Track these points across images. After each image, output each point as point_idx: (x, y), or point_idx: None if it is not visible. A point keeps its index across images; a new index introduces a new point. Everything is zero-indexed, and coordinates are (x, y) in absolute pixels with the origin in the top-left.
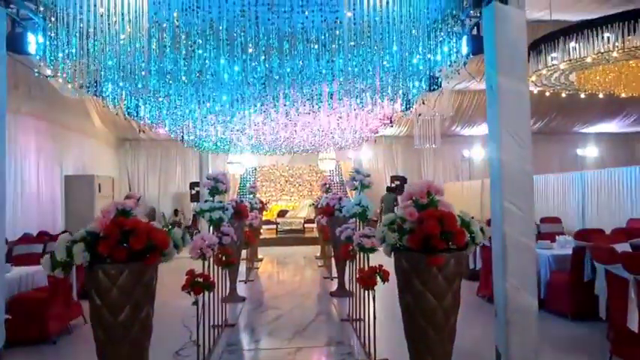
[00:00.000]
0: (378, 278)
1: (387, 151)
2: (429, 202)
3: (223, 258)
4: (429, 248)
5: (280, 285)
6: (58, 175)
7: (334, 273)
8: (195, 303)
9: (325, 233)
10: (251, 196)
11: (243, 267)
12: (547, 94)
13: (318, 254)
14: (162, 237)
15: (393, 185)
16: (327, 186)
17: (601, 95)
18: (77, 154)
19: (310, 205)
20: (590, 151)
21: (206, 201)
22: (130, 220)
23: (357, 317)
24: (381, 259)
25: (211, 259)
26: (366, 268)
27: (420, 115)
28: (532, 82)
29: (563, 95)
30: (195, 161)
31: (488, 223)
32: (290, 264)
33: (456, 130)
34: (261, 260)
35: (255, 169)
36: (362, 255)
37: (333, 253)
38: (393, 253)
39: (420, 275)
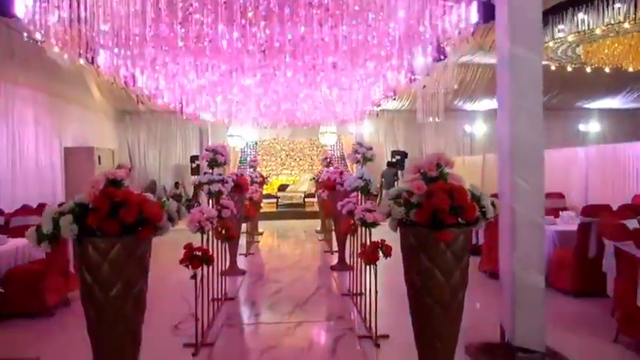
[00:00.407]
0: (381, 253)
1: (388, 126)
2: (439, 174)
3: (223, 231)
4: (437, 223)
5: (281, 258)
6: (57, 146)
7: (335, 247)
8: (194, 277)
9: (326, 207)
10: (251, 169)
11: (243, 240)
12: (552, 67)
13: (319, 228)
14: (156, 210)
15: (393, 160)
16: (329, 160)
17: (607, 69)
18: (76, 127)
19: (311, 180)
20: (593, 127)
21: (205, 173)
22: (120, 192)
23: (358, 292)
24: (384, 233)
25: (210, 233)
26: (368, 243)
27: (424, 86)
28: None
29: (569, 69)
30: (196, 134)
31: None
32: (290, 238)
33: (457, 105)
34: (261, 234)
35: (256, 144)
36: (363, 229)
37: (333, 227)
38: (398, 229)
39: (427, 251)
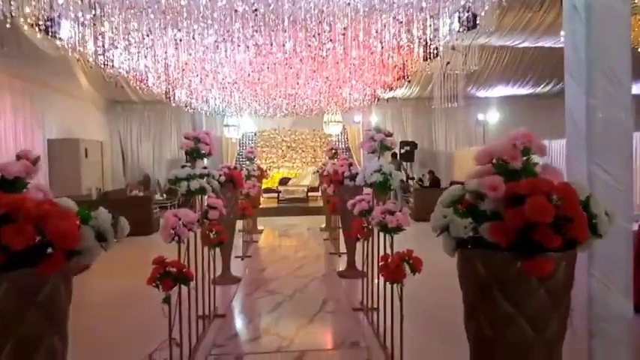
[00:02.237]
0: (407, 268)
1: (396, 115)
2: (525, 167)
3: (212, 235)
4: (527, 244)
5: (281, 262)
6: (39, 137)
7: (342, 248)
8: (167, 301)
9: (332, 204)
10: (248, 162)
11: (240, 240)
12: None
13: (323, 226)
14: (68, 226)
15: (402, 151)
16: (334, 151)
17: None
18: (61, 117)
19: (315, 173)
20: None
21: (183, 166)
22: (10, 197)
23: (372, 306)
24: (406, 240)
25: (196, 238)
26: (389, 253)
27: (448, 63)
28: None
29: None
30: (191, 125)
31: None
32: (292, 237)
33: (470, 92)
34: (261, 232)
35: (255, 135)
36: (380, 234)
37: (341, 226)
38: (458, 251)
39: (508, 289)
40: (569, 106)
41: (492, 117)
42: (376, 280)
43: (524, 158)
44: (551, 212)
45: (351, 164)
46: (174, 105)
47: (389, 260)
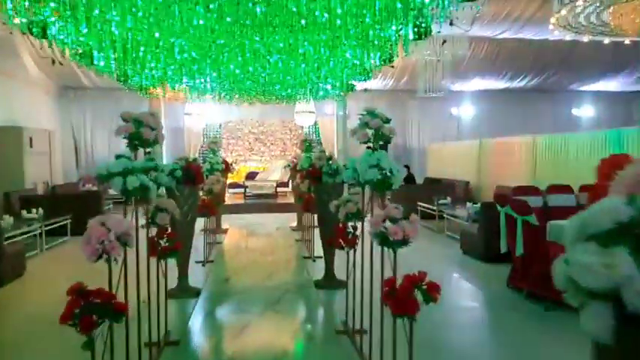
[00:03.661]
0: (420, 297)
1: (368, 108)
2: None
3: (162, 244)
4: None
5: (248, 269)
6: None
7: (317, 250)
8: (88, 346)
9: (306, 201)
10: (212, 155)
11: (201, 241)
12: (567, 38)
13: (295, 225)
14: None
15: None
16: (309, 142)
17: (627, 41)
18: (2, 103)
19: (286, 167)
20: (586, 111)
21: (118, 157)
22: None
23: (359, 327)
24: (414, 252)
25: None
26: (391, 273)
27: (444, 42)
28: (553, 24)
29: (585, 40)
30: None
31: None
32: (260, 237)
33: (446, 85)
34: (225, 232)
35: (220, 126)
36: (368, 240)
37: (317, 226)
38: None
39: None
40: None
41: (466, 111)
42: (361, 295)
43: None
44: None
45: (330, 157)
46: (126, 89)
47: (396, 286)
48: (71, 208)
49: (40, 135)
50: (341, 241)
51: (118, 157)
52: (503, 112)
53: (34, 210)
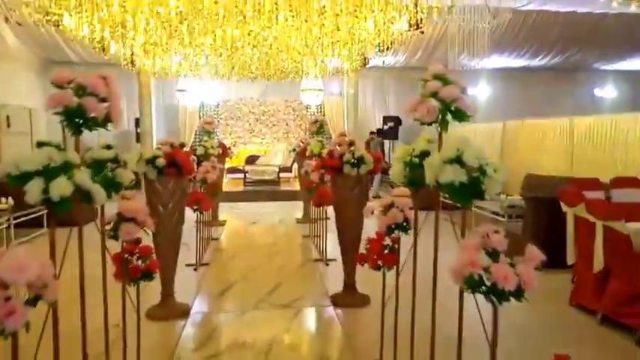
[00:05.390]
0: None
1: (376, 87)
2: None
3: (135, 262)
4: None
5: (249, 278)
6: None
7: (330, 252)
8: None
9: (318, 195)
10: (207, 137)
11: (193, 238)
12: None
13: (300, 216)
14: None
15: (386, 127)
16: (319, 123)
17: None
18: None
19: (291, 152)
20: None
21: (40, 144)
22: None
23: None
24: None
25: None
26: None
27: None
28: None
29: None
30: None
31: None
32: (263, 232)
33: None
34: (223, 224)
35: (218, 105)
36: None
37: (336, 227)
38: None
39: None
40: None
41: (482, 91)
42: (394, 315)
43: None
44: None
45: (352, 142)
46: (107, 58)
47: None
48: None
49: (20, 113)
50: (379, 261)
51: (40, 144)
52: (520, 93)
53: (3, 199)
